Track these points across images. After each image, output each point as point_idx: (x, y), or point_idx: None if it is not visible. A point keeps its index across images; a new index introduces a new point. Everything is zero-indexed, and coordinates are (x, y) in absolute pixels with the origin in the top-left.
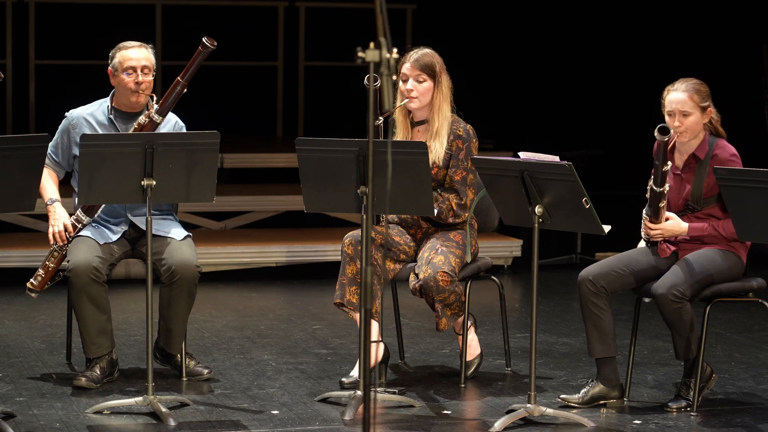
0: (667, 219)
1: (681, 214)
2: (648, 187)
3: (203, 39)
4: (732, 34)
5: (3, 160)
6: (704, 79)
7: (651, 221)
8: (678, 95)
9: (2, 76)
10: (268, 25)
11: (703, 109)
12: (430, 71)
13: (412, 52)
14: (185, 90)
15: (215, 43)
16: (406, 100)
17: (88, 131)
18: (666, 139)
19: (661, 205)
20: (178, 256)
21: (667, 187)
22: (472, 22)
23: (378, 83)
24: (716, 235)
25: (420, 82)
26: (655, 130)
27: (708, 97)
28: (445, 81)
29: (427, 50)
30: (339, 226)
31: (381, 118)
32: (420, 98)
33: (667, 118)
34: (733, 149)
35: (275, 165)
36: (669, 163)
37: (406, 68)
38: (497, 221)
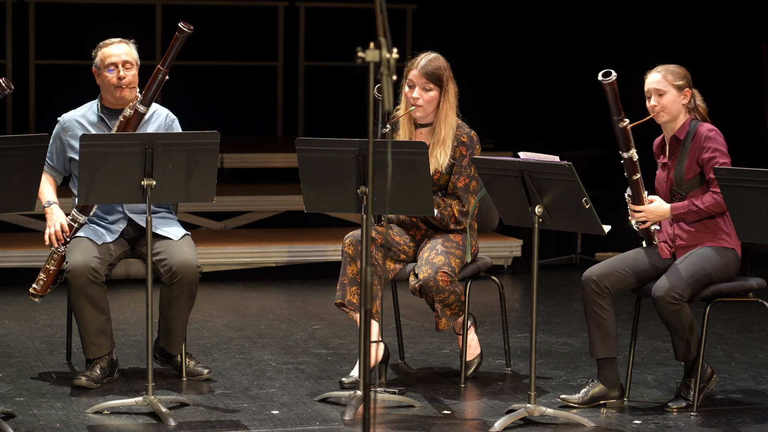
0: (651, 202)
1: (668, 202)
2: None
3: (179, 24)
4: (732, 34)
5: (3, 160)
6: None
7: (634, 203)
8: (652, 76)
9: (12, 88)
10: (268, 25)
11: (679, 88)
12: (437, 80)
13: (420, 58)
14: (167, 77)
15: (191, 28)
16: (411, 108)
17: (80, 133)
18: (609, 81)
19: (635, 177)
20: (178, 257)
21: (635, 154)
22: (472, 22)
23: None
24: (696, 210)
25: (426, 91)
26: (599, 75)
27: (684, 78)
28: (452, 88)
29: (434, 56)
30: (339, 226)
31: (388, 125)
32: (425, 107)
33: (647, 102)
34: (713, 126)
35: (275, 165)
36: (626, 120)
37: (413, 75)
38: (497, 221)
